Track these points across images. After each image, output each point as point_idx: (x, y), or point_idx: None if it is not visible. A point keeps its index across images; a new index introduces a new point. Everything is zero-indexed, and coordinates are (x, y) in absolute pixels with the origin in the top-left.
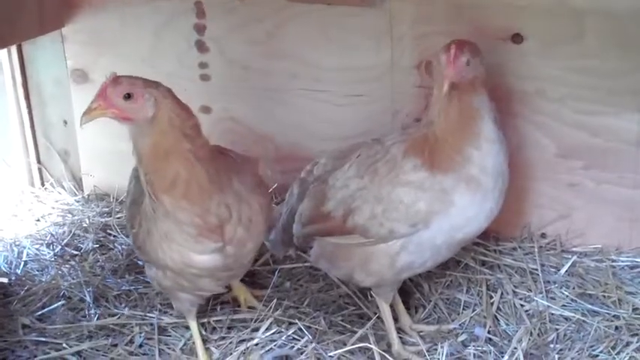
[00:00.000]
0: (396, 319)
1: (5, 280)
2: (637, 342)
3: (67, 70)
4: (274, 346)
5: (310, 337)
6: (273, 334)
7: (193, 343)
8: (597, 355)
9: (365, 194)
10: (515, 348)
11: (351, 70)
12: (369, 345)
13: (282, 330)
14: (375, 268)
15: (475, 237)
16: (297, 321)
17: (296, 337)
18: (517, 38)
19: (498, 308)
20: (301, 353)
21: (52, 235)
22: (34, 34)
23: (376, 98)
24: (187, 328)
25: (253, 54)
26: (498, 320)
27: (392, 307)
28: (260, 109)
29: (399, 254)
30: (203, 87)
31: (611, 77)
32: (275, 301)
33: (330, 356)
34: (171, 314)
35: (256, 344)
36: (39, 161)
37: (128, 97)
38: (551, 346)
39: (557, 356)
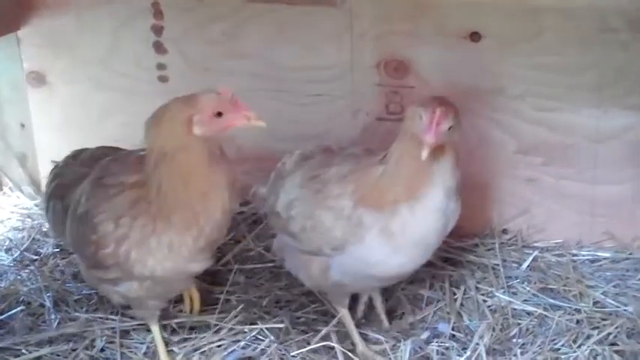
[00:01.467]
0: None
1: None
2: (598, 335)
3: (23, 73)
4: (237, 347)
5: (273, 337)
6: (235, 334)
7: (155, 346)
8: (559, 349)
9: (300, 206)
10: (478, 343)
11: (312, 70)
12: (332, 344)
13: (245, 330)
14: (314, 274)
15: (406, 275)
16: (258, 322)
17: (259, 337)
18: (475, 36)
19: (461, 304)
20: (264, 354)
21: (10, 240)
22: None
23: (337, 97)
24: (149, 331)
25: (213, 55)
26: (461, 316)
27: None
28: None
29: (329, 270)
30: (162, 88)
31: (569, 74)
32: (236, 301)
33: (293, 356)
34: (132, 318)
35: (219, 346)
36: None
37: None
38: (514, 340)
39: (519, 351)
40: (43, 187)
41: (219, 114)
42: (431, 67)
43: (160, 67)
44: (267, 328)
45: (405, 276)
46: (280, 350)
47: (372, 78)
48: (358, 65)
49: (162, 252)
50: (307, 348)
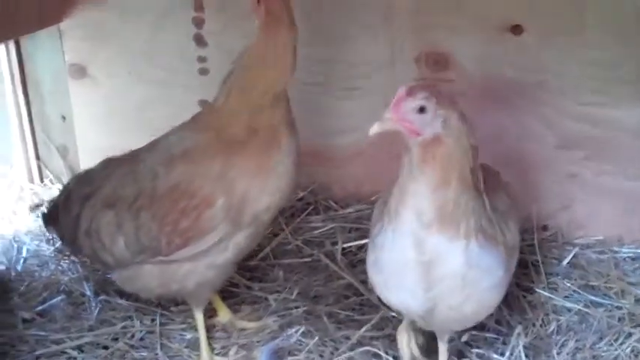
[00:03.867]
0: None
1: (2, 265)
2: (639, 333)
3: (65, 65)
4: (276, 342)
5: (314, 332)
6: (273, 330)
7: (198, 335)
8: (600, 347)
9: None
10: (518, 338)
11: (351, 63)
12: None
13: (284, 327)
14: None
15: None
16: (296, 318)
17: (299, 337)
18: (517, 29)
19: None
20: (302, 346)
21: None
22: (33, 28)
23: (376, 91)
24: (189, 323)
25: None
26: (501, 310)
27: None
28: None
29: None
30: (202, 81)
31: (612, 68)
32: (274, 298)
33: (332, 353)
34: (172, 309)
35: (258, 341)
36: (38, 157)
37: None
38: (554, 337)
39: (559, 348)
40: None
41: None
42: (471, 60)
43: (201, 59)
44: (306, 324)
45: None
46: (320, 346)
47: (412, 71)
48: (397, 59)
49: (271, 179)
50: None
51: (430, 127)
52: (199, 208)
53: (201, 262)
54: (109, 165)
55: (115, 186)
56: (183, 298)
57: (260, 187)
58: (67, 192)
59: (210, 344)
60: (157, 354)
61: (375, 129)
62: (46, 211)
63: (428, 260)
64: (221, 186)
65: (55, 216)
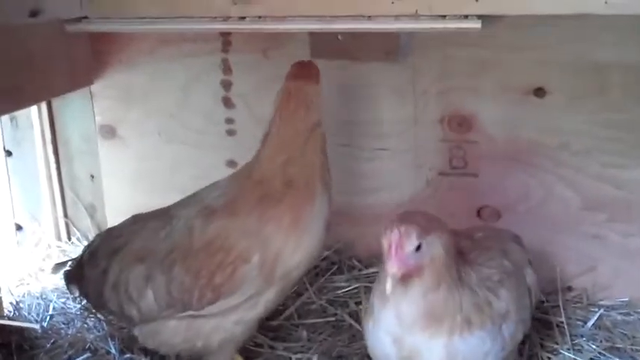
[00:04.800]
0: None
1: (37, 326)
2: None
3: (95, 126)
4: None
5: None
6: None
7: None
8: None
9: None
10: None
11: (376, 124)
12: None
13: None
14: None
15: None
16: None
17: None
18: (540, 92)
19: None
20: None
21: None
22: (64, 90)
23: (401, 152)
24: None
25: None
26: None
27: None
28: None
29: None
30: (229, 142)
31: (634, 130)
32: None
33: None
34: None
35: None
36: (66, 215)
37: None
38: None
39: None
40: None
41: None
42: (495, 122)
43: (229, 121)
44: None
45: None
46: None
47: (436, 133)
48: (421, 120)
49: (305, 235)
50: None
51: (426, 254)
52: (235, 263)
53: (229, 318)
54: (138, 220)
55: (146, 239)
56: (206, 356)
57: (294, 244)
58: (93, 248)
59: None
60: None
61: (389, 288)
62: (69, 269)
63: (407, 355)
64: (257, 242)
65: (78, 274)
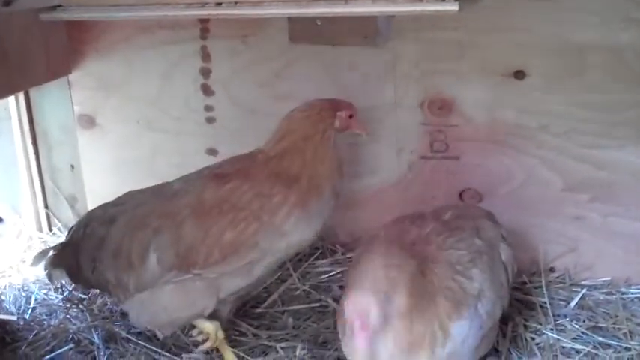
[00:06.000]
0: None
1: (14, 317)
2: None
3: (73, 116)
4: None
5: None
6: None
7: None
8: None
9: None
10: None
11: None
12: None
13: None
14: None
15: None
16: None
17: None
18: (519, 74)
19: (510, 341)
20: None
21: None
22: (41, 80)
23: (382, 137)
24: None
25: (258, 96)
26: (510, 353)
27: None
28: None
29: None
30: (209, 129)
31: (614, 111)
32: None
33: None
34: (182, 355)
35: None
36: (47, 207)
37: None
38: None
39: None
40: None
41: (351, 116)
42: (475, 105)
43: (208, 108)
44: None
45: None
46: None
47: (416, 117)
48: (402, 105)
49: (313, 217)
50: None
51: (392, 309)
52: (247, 220)
53: (225, 284)
54: (134, 193)
55: (151, 205)
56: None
57: (291, 224)
58: (84, 222)
59: None
60: None
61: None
62: (53, 254)
63: None
64: (267, 206)
65: (65, 256)
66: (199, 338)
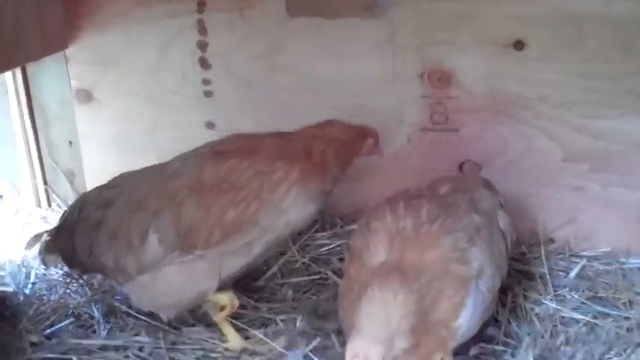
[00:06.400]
0: None
1: (10, 288)
2: None
3: (71, 91)
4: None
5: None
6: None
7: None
8: (609, 357)
9: None
10: (527, 350)
11: (355, 82)
12: None
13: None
14: None
15: None
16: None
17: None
18: (518, 45)
19: (509, 311)
20: None
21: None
22: (37, 55)
23: (380, 109)
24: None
25: (256, 69)
26: (510, 323)
27: None
28: (265, 123)
29: None
30: (207, 103)
31: (613, 80)
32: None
33: None
34: (182, 329)
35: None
36: (45, 182)
37: None
38: (562, 348)
39: (568, 359)
40: None
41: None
42: (474, 76)
43: (205, 82)
44: (314, 342)
45: None
46: None
47: (416, 89)
48: (401, 76)
49: (314, 200)
50: None
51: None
52: (247, 199)
53: (226, 263)
54: (129, 175)
55: (148, 187)
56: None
57: (302, 198)
58: (79, 205)
59: None
60: None
61: None
62: (47, 239)
63: None
64: (268, 182)
65: (60, 240)
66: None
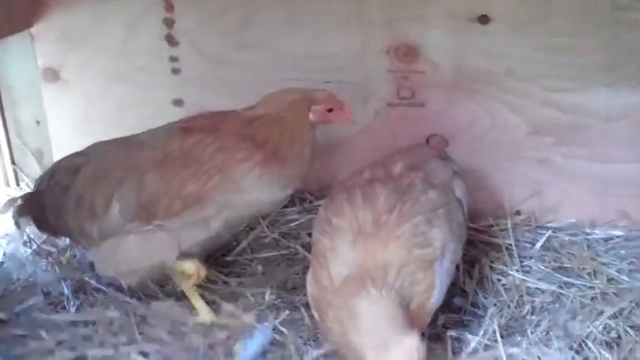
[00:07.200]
0: None
1: None
2: (611, 310)
3: (37, 70)
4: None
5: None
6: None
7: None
8: (573, 325)
9: None
10: (492, 319)
11: (323, 57)
12: None
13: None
14: None
15: None
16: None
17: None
18: (484, 19)
19: (476, 282)
20: (281, 337)
21: (27, 234)
22: (3, 34)
23: (348, 84)
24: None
25: (224, 45)
26: (477, 294)
27: None
28: (233, 100)
29: None
30: (175, 80)
31: (579, 54)
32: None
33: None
34: (150, 303)
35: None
36: (13, 162)
37: None
38: (528, 317)
39: (533, 327)
40: None
41: (330, 110)
42: (440, 50)
43: (173, 59)
44: (283, 315)
45: None
46: (298, 338)
47: (383, 64)
48: (368, 51)
49: (275, 184)
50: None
51: None
52: (209, 172)
53: (185, 236)
54: (99, 144)
55: (114, 156)
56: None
57: (264, 182)
58: (51, 171)
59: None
60: (135, 338)
61: None
62: (20, 203)
63: None
64: (231, 160)
65: (32, 204)
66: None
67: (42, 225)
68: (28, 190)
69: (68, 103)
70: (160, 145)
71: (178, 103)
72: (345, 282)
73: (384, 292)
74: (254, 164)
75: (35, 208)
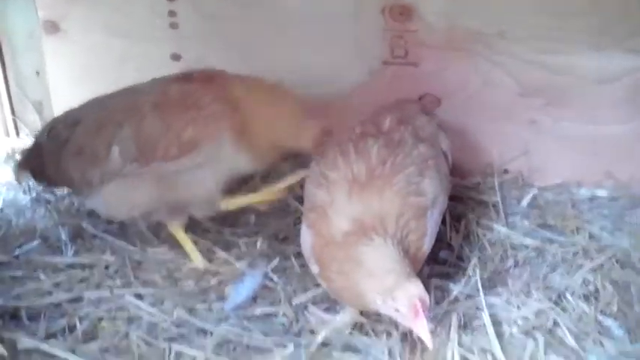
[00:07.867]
0: None
1: None
2: (590, 264)
3: (38, 21)
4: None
5: (282, 271)
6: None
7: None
8: (553, 277)
9: None
10: (475, 269)
11: (318, 15)
12: None
13: (253, 264)
14: None
15: None
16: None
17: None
18: None
19: (462, 237)
20: (271, 284)
21: (27, 183)
22: None
23: (343, 42)
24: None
25: (220, 1)
26: (463, 248)
27: None
28: (230, 56)
29: None
30: (173, 34)
31: (571, 17)
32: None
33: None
34: (147, 249)
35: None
36: (13, 113)
37: None
38: (510, 271)
39: (514, 279)
40: None
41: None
42: (434, 11)
43: (171, 13)
44: (274, 263)
45: None
46: (287, 285)
47: (377, 23)
48: (363, 10)
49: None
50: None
51: None
52: (208, 119)
53: (180, 181)
54: (98, 98)
55: (113, 107)
56: (160, 218)
57: (232, 144)
58: (50, 125)
59: None
60: (130, 281)
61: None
62: (19, 158)
63: None
64: (228, 111)
65: (32, 158)
66: None
67: (40, 176)
68: (28, 141)
69: (68, 55)
70: (159, 91)
71: (176, 57)
72: (347, 234)
73: (387, 240)
74: (240, 135)
75: (34, 161)
